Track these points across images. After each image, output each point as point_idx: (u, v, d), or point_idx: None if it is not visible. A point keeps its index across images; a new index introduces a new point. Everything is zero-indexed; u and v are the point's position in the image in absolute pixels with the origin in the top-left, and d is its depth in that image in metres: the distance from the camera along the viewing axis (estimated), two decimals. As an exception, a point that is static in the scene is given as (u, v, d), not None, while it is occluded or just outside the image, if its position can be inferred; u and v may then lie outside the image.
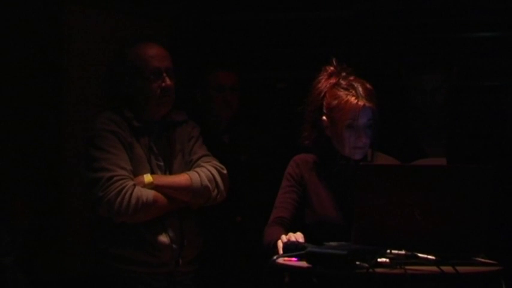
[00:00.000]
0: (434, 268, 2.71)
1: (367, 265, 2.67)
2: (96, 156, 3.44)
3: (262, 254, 3.12)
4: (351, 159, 3.26)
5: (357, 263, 2.68)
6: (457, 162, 3.65)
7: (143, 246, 3.47)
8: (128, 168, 3.45)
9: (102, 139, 3.47)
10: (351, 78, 3.29)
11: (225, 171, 3.63)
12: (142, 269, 3.49)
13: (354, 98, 3.21)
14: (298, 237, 2.95)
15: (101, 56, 4.51)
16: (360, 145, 3.23)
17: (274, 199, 3.34)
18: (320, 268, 2.71)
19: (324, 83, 3.31)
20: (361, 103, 3.20)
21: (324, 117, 3.29)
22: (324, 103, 3.29)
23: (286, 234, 3.03)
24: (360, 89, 3.24)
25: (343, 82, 3.27)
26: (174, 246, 3.51)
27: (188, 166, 3.62)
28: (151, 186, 3.47)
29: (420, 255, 2.76)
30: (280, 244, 2.95)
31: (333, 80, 3.29)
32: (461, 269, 2.72)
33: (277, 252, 2.93)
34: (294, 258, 2.84)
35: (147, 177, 3.48)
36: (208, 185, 3.55)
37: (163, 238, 3.49)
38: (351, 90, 3.23)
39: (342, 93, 3.24)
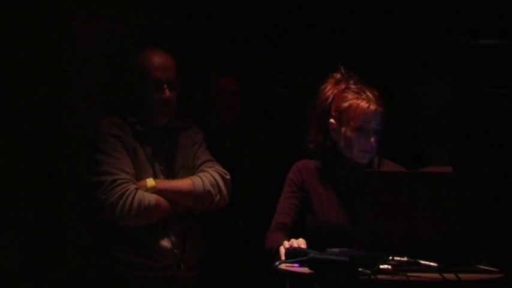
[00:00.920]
0: (436, 275, 2.71)
1: (369, 271, 2.66)
2: (99, 159, 3.45)
3: (263, 259, 3.12)
4: (357, 163, 3.26)
5: (359, 269, 2.67)
6: (461, 168, 3.65)
7: (145, 250, 3.47)
8: (130, 172, 3.46)
9: (106, 143, 3.48)
10: (360, 84, 3.29)
11: (228, 177, 3.63)
12: (144, 273, 3.49)
13: (365, 102, 3.23)
14: (300, 243, 2.95)
15: (103, 59, 4.51)
16: (368, 149, 3.24)
17: (275, 204, 3.34)
18: (322, 274, 2.71)
19: (331, 88, 3.32)
20: (372, 107, 3.23)
21: (332, 120, 3.29)
22: (333, 106, 3.29)
23: (287, 239, 3.03)
24: (370, 94, 3.25)
25: (353, 86, 3.28)
26: (175, 250, 3.51)
27: (191, 171, 3.62)
28: (154, 190, 3.47)
29: (422, 262, 2.76)
30: (282, 250, 2.95)
31: (342, 86, 3.30)
32: (463, 276, 2.72)
33: (279, 258, 2.93)
34: (296, 264, 2.83)
35: (150, 182, 3.49)
36: (211, 190, 3.55)
37: (165, 242, 3.49)
38: (361, 94, 3.25)
39: (352, 96, 3.25)
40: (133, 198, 3.39)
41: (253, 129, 4.40)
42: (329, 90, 3.33)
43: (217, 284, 4.03)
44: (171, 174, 3.60)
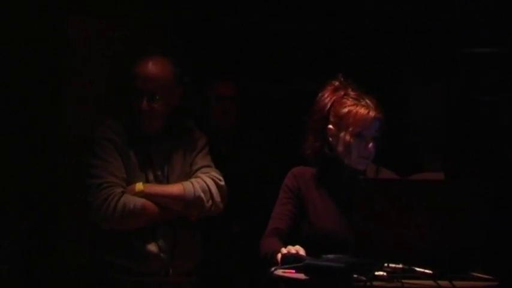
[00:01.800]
0: (431, 282, 2.71)
1: (364, 278, 2.68)
2: (92, 163, 3.50)
3: (258, 264, 3.13)
4: (355, 170, 3.27)
5: (355, 276, 2.68)
6: (454, 176, 3.67)
7: (132, 253, 3.48)
8: (119, 176, 3.47)
9: (100, 147, 3.51)
10: (359, 91, 3.31)
11: (222, 183, 3.61)
12: (133, 277, 3.48)
13: (364, 108, 3.24)
14: (298, 250, 2.95)
15: (102, 60, 4.51)
16: (366, 155, 3.25)
17: (271, 210, 3.34)
18: (318, 280, 2.72)
19: (330, 95, 3.33)
20: (372, 114, 3.24)
21: (331, 126, 3.29)
22: (331, 112, 3.30)
23: (282, 245, 3.03)
24: (369, 101, 3.27)
25: (352, 93, 3.30)
26: (162, 255, 3.50)
27: (188, 176, 3.61)
28: (142, 194, 3.48)
29: (417, 269, 2.76)
30: (279, 256, 2.95)
31: (340, 93, 3.31)
32: (458, 283, 2.73)
33: (275, 264, 2.93)
34: (291, 270, 2.83)
35: (138, 186, 3.50)
36: (202, 195, 3.54)
37: (152, 247, 3.49)
38: (360, 100, 3.27)
39: (351, 102, 3.27)
40: (117, 201, 3.41)
41: (250, 135, 4.41)
42: (327, 97, 3.33)
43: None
44: (166, 179, 3.59)
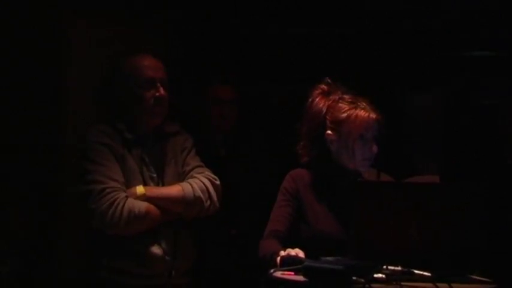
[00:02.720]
0: (429, 285, 2.73)
1: (363, 280, 2.68)
2: (88, 168, 3.46)
3: (257, 267, 3.13)
4: (358, 173, 3.27)
5: (353, 278, 2.69)
6: (450, 179, 3.68)
7: (136, 257, 3.46)
8: (120, 180, 3.46)
9: (95, 152, 3.48)
10: (351, 94, 3.32)
11: (218, 182, 3.63)
12: (135, 280, 3.48)
13: (363, 111, 3.25)
14: (297, 252, 2.95)
15: (100, 65, 4.50)
16: (370, 157, 3.26)
17: (269, 213, 3.35)
18: (316, 282, 2.73)
19: (322, 100, 3.32)
20: (372, 116, 3.25)
21: (329, 132, 3.30)
22: (328, 118, 3.30)
23: (281, 247, 3.04)
24: (365, 103, 3.27)
25: (346, 97, 3.30)
26: (167, 257, 3.51)
27: (181, 177, 3.62)
28: (144, 198, 3.47)
29: (416, 271, 2.78)
30: (278, 258, 2.95)
31: (334, 97, 3.31)
32: (456, 286, 2.74)
33: (273, 266, 2.94)
34: (290, 272, 2.84)
35: (139, 189, 3.48)
36: (201, 196, 3.55)
37: (156, 250, 3.49)
38: (358, 104, 3.27)
39: (349, 106, 3.27)
40: (123, 206, 3.38)
41: (249, 138, 4.42)
42: (320, 102, 3.33)
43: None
44: (161, 181, 3.60)
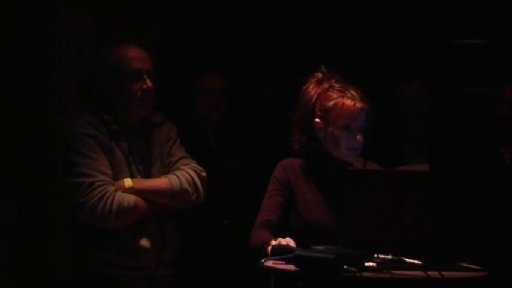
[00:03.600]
0: (420, 273, 2.73)
1: (354, 269, 2.69)
2: (75, 161, 3.42)
3: (248, 257, 3.13)
4: (345, 162, 3.27)
5: (344, 266, 2.69)
6: (439, 169, 3.68)
7: (124, 250, 3.45)
8: (108, 173, 3.43)
9: (82, 143, 3.44)
10: (343, 82, 3.31)
11: (204, 174, 3.62)
12: (123, 272, 3.47)
13: (350, 100, 3.25)
14: (288, 241, 2.96)
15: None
16: (355, 146, 3.26)
17: (260, 203, 3.35)
18: (307, 271, 2.73)
19: (314, 88, 3.33)
20: (358, 105, 3.25)
21: (317, 119, 3.30)
22: (317, 106, 3.30)
23: (272, 237, 3.05)
24: (355, 92, 3.27)
25: (336, 85, 3.30)
26: (154, 249, 3.50)
27: (167, 168, 3.61)
28: (132, 190, 3.46)
29: (407, 260, 2.77)
30: (269, 248, 2.95)
31: (325, 85, 3.31)
32: (447, 274, 2.75)
33: (264, 255, 2.94)
34: (281, 261, 2.84)
35: (128, 182, 3.47)
36: (188, 188, 3.54)
37: (144, 242, 3.48)
38: (346, 92, 3.27)
39: (337, 95, 3.27)
40: (112, 200, 3.36)
41: (239, 128, 4.42)
42: (312, 90, 3.34)
43: (201, 283, 4.04)
44: (148, 173, 3.58)
